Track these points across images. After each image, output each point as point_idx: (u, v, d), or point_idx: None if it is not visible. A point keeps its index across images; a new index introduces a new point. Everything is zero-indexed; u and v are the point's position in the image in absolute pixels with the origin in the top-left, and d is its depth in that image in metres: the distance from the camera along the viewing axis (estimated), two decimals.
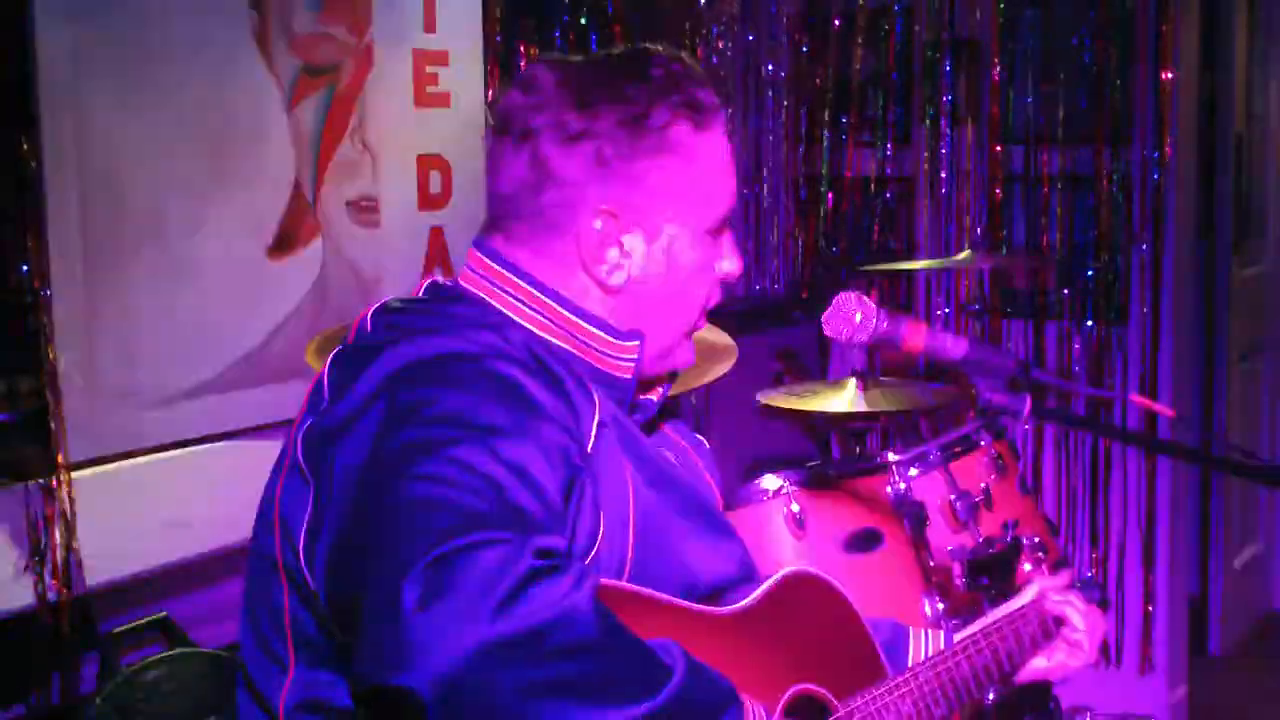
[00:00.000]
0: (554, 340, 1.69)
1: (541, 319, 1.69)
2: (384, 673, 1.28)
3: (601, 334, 1.70)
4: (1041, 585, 2.10)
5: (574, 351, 1.69)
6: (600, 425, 1.61)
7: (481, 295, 1.71)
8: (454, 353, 1.54)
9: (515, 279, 1.70)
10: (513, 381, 1.52)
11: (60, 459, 2.73)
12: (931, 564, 2.79)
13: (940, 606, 2.74)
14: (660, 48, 1.73)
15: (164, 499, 2.95)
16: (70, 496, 2.74)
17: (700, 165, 1.70)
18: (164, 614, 2.93)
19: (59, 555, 2.74)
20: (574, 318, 1.69)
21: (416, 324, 1.62)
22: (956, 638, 1.98)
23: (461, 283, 1.74)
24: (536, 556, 1.32)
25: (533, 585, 1.30)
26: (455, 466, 1.38)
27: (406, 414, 1.46)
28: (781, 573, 1.78)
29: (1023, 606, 2.04)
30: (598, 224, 1.67)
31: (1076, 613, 2.05)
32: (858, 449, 3.92)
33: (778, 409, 3.52)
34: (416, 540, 1.31)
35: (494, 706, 1.27)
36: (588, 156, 1.65)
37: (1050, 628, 2.04)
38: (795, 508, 2.71)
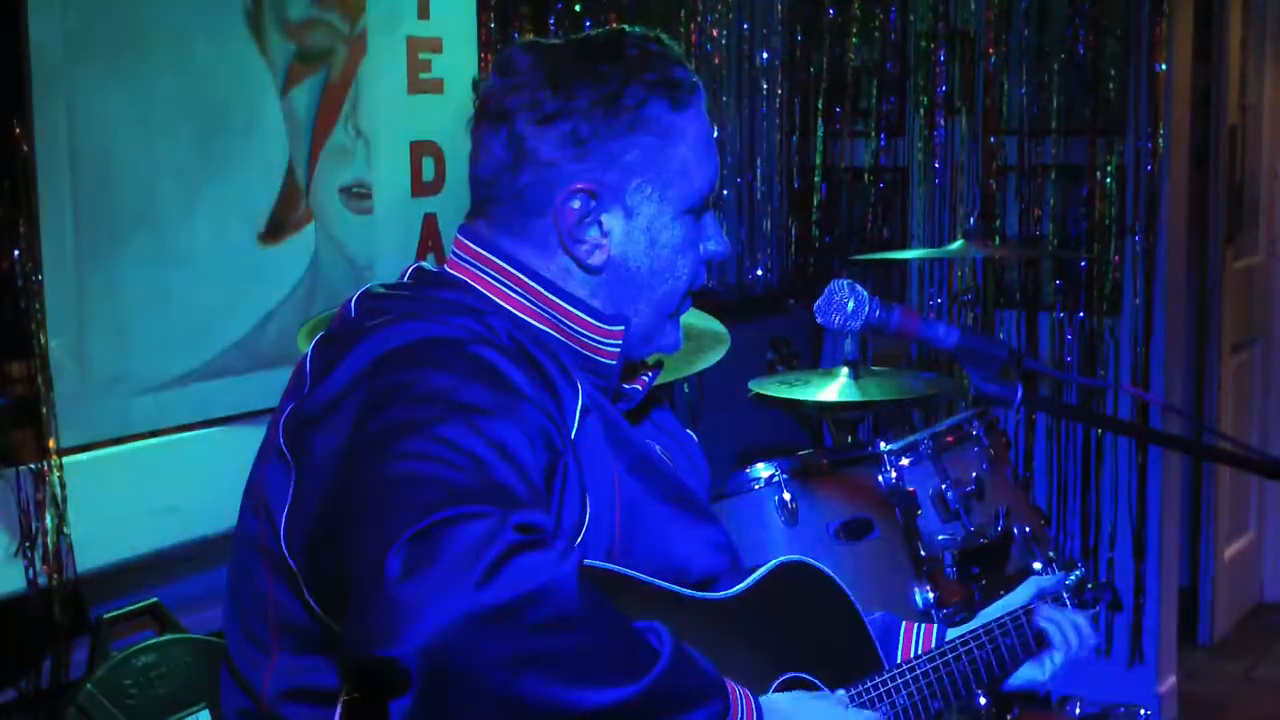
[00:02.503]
0: (538, 325, 1.69)
1: (526, 302, 1.69)
2: (371, 645, 1.28)
3: (586, 318, 1.70)
4: (1035, 587, 2.08)
5: (558, 336, 1.69)
6: (584, 411, 1.61)
7: (466, 280, 1.71)
8: (435, 337, 1.54)
9: (499, 262, 1.70)
10: (493, 365, 1.52)
11: (51, 444, 2.73)
12: (922, 553, 2.80)
13: (931, 596, 2.74)
14: (636, 28, 1.73)
15: (156, 484, 2.94)
16: (61, 482, 2.74)
17: (677, 143, 1.69)
18: (155, 599, 2.93)
19: (50, 540, 2.73)
20: (559, 301, 1.69)
21: (398, 309, 1.61)
22: (950, 634, 1.97)
23: (447, 268, 1.74)
24: (519, 531, 1.32)
25: (516, 557, 1.30)
26: (439, 444, 1.39)
27: (388, 396, 1.46)
28: (775, 561, 1.78)
29: (1002, 619, 1.99)
30: (576, 204, 1.67)
31: (1059, 634, 2.02)
32: (850, 438, 3.93)
33: (770, 398, 3.53)
34: (401, 514, 1.32)
35: (478, 678, 1.28)
36: (564, 136, 1.65)
37: (1030, 644, 2.01)
38: (787, 496, 2.71)
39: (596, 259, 1.69)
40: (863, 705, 1.76)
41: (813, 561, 1.84)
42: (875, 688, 1.79)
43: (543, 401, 1.55)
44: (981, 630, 1.97)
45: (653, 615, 1.46)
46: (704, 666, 1.45)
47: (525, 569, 1.30)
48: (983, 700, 2.49)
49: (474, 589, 1.27)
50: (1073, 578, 2.12)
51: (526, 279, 1.69)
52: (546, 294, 1.69)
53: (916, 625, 2.01)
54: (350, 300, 1.69)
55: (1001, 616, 2.00)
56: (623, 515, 1.63)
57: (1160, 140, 4.33)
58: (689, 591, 1.66)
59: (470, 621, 1.27)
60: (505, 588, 1.28)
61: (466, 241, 1.73)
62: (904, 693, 1.81)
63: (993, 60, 4.53)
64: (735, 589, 1.72)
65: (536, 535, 1.34)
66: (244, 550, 1.63)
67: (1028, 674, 2.03)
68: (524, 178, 1.67)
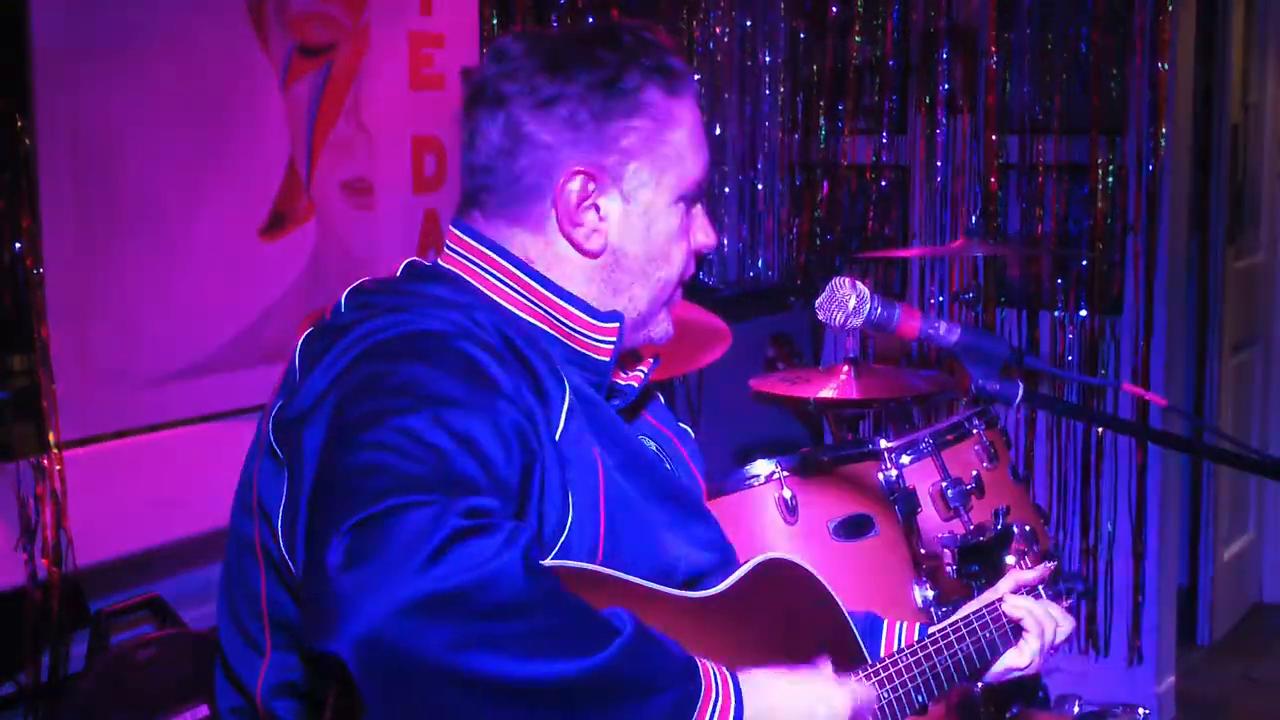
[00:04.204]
0: (530, 320, 1.68)
1: (519, 297, 1.69)
2: (315, 638, 1.28)
3: (580, 314, 1.69)
4: (1015, 580, 2.09)
5: (550, 331, 1.69)
6: (570, 411, 1.60)
7: (458, 273, 1.70)
8: (418, 330, 1.53)
9: (494, 255, 1.69)
10: (473, 360, 1.51)
11: (52, 438, 2.73)
12: (922, 551, 2.79)
13: (930, 593, 2.74)
14: (629, 20, 1.74)
15: (156, 479, 2.94)
16: (61, 475, 2.74)
17: (673, 128, 1.70)
18: (154, 593, 2.93)
19: (50, 534, 2.74)
20: (552, 296, 1.69)
21: (385, 303, 1.61)
22: (930, 630, 1.97)
23: (440, 261, 1.74)
24: (465, 516, 1.31)
25: (459, 545, 1.28)
26: (399, 434, 1.38)
27: (363, 387, 1.46)
28: (757, 559, 1.77)
29: (979, 611, 2.01)
30: (574, 186, 1.67)
31: (1033, 620, 2.03)
32: (850, 435, 3.93)
33: (770, 394, 3.53)
34: (348, 503, 1.31)
35: (420, 664, 1.26)
36: (562, 119, 1.65)
37: (1008, 634, 2.03)
38: (787, 493, 2.71)
39: (594, 243, 1.69)
40: None
41: (793, 558, 1.84)
42: (859, 683, 1.78)
43: (523, 401, 1.54)
44: (961, 623, 1.98)
45: (634, 613, 1.44)
46: (673, 649, 1.43)
47: (469, 556, 1.28)
48: (979, 696, 2.49)
49: (415, 576, 1.26)
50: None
51: (520, 273, 1.69)
52: (540, 289, 1.69)
53: (898, 622, 2.02)
54: (342, 295, 1.68)
55: (979, 609, 2.01)
56: (608, 515, 1.61)
57: (1162, 139, 4.33)
58: (671, 590, 1.65)
59: (408, 609, 1.25)
60: (446, 576, 1.27)
61: (460, 234, 1.73)
62: (888, 687, 1.81)
63: (995, 58, 4.53)
64: (717, 587, 1.71)
65: (483, 520, 1.32)
66: (237, 548, 1.63)
67: (1009, 662, 2.04)
68: (521, 162, 1.67)
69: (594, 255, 1.70)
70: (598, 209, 1.69)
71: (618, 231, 1.70)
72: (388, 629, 1.25)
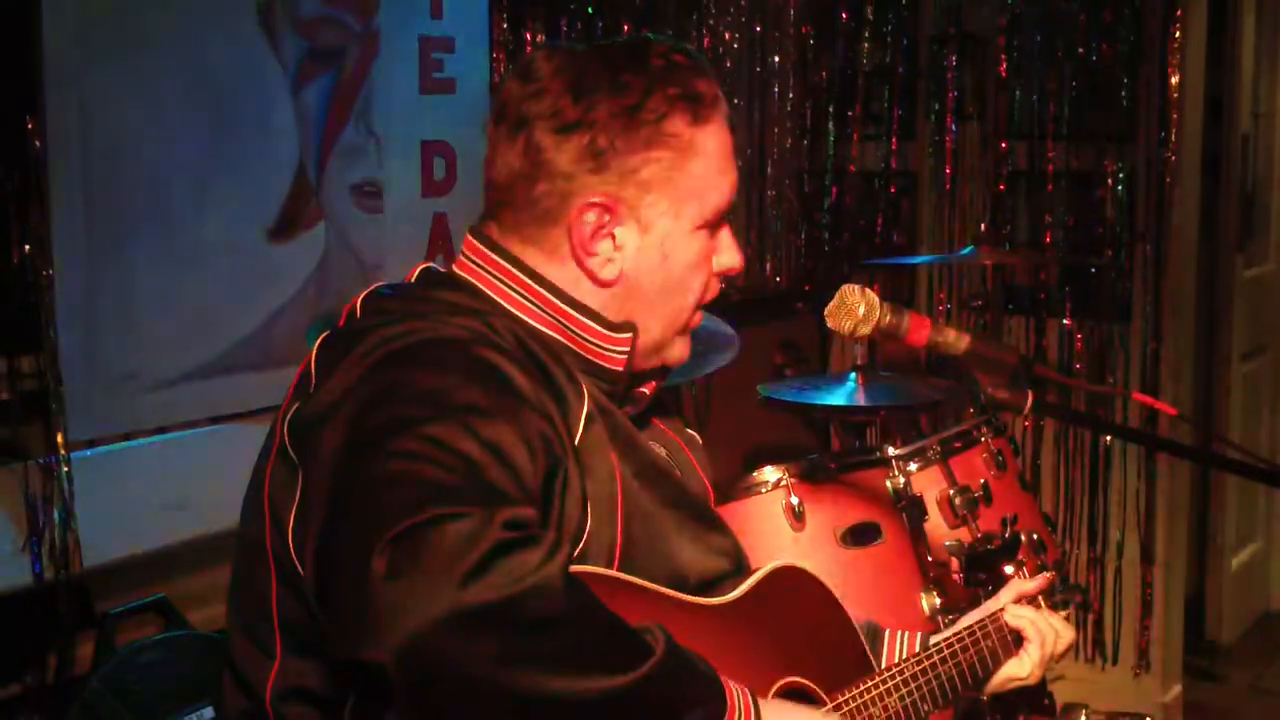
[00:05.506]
0: (544, 329, 1.68)
1: (533, 307, 1.68)
2: (354, 646, 1.28)
3: (593, 325, 1.69)
4: (1016, 590, 2.11)
5: (564, 341, 1.69)
6: (588, 417, 1.60)
7: (474, 282, 1.70)
8: (438, 338, 1.53)
9: (508, 266, 1.69)
10: (496, 367, 1.52)
11: (60, 439, 2.73)
12: (929, 559, 2.79)
13: (937, 601, 2.74)
14: (662, 38, 1.72)
15: (163, 481, 2.95)
16: (69, 477, 2.74)
17: (696, 158, 1.68)
18: (161, 595, 2.93)
19: (57, 535, 2.74)
20: (566, 308, 1.68)
21: (403, 310, 1.61)
22: (932, 640, 1.99)
23: (455, 269, 1.74)
24: (506, 528, 1.31)
25: (502, 557, 1.29)
26: (429, 443, 1.38)
27: (386, 395, 1.45)
28: (768, 567, 1.78)
29: (982, 621, 2.04)
30: (590, 216, 1.65)
31: (1034, 630, 2.06)
32: (858, 442, 3.92)
33: (778, 401, 3.52)
34: (385, 514, 1.31)
35: (463, 676, 1.26)
36: (581, 147, 1.63)
37: (1009, 644, 2.05)
38: (794, 500, 2.71)
39: (608, 272, 1.68)
40: (857, 709, 1.78)
41: (803, 566, 1.84)
42: (868, 691, 1.81)
43: (544, 407, 1.54)
44: (965, 633, 2.01)
45: (653, 619, 1.45)
46: (702, 667, 1.44)
47: (511, 569, 1.29)
48: (985, 705, 2.48)
49: (457, 589, 1.26)
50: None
51: (535, 285, 1.68)
52: (554, 300, 1.68)
53: (899, 631, 2.04)
54: (356, 300, 1.68)
55: (981, 619, 2.04)
56: (625, 521, 1.62)
57: (1171, 147, 4.32)
58: (688, 597, 1.66)
59: (451, 620, 1.25)
60: (490, 588, 1.27)
61: (477, 243, 1.72)
62: (895, 695, 1.83)
63: (1004, 65, 4.53)
64: (730, 594, 1.72)
65: (524, 532, 1.33)
66: (246, 552, 1.62)
67: (1010, 672, 2.07)
68: (540, 187, 1.65)
69: (608, 284, 1.69)
70: (613, 239, 1.67)
71: (633, 261, 1.69)
72: (432, 639, 1.25)
